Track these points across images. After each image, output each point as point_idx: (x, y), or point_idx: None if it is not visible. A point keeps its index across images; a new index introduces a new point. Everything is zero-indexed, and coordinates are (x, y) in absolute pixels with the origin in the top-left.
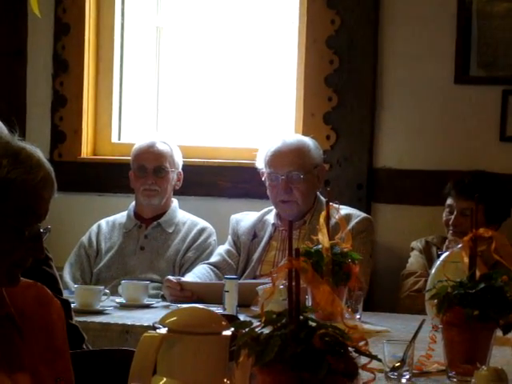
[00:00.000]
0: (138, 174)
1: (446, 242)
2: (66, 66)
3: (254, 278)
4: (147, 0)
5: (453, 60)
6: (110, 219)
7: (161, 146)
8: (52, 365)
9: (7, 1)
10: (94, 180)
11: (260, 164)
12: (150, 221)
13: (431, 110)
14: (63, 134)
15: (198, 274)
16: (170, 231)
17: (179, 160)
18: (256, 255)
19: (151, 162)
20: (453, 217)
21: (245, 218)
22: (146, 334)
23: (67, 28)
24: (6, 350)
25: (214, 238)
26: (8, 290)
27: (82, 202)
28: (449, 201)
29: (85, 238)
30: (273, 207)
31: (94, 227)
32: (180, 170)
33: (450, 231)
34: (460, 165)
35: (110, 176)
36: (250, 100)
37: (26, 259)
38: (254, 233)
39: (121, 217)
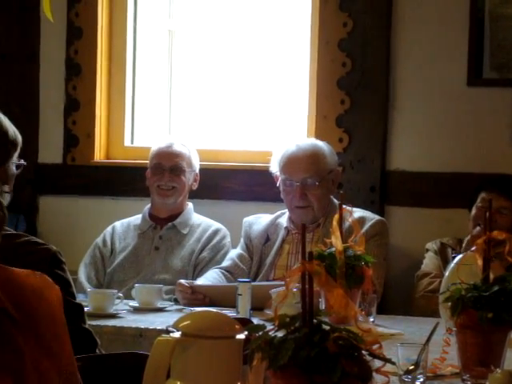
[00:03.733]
0: (155, 172)
1: (464, 244)
2: (78, 70)
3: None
4: (159, 3)
5: (465, 62)
6: (125, 221)
7: (179, 147)
8: (55, 357)
9: (20, 5)
10: (106, 184)
11: (274, 168)
12: (164, 222)
13: (444, 113)
14: (76, 138)
15: (209, 279)
16: (185, 232)
17: (196, 162)
18: (269, 259)
19: (168, 161)
20: (488, 213)
21: (257, 221)
22: (159, 338)
23: (80, 32)
24: (5, 347)
25: (228, 239)
26: (5, 282)
27: (95, 206)
28: (483, 195)
29: (99, 239)
30: (285, 210)
31: (109, 228)
32: (197, 172)
33: (478, 227)
34: (473, 167)
35: (122, 180)
36: (262, 103)
37: None
38: (267, 236)
39: (135, 219)
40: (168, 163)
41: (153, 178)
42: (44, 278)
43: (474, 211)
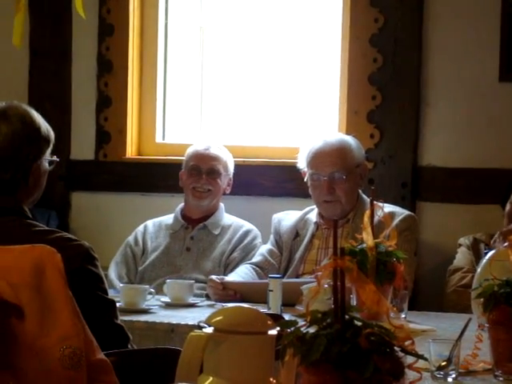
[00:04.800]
0: (192, 173)
1: (494, 241)
2: (110, 67)
3: (297, 277)
4: (191, 0)
5: (497, 58)
6: (157, 220)
7: (216, 151)
8: (56, 333)
9: (52, 2)
10: (138, 180)
11: (301, 164)
12: (196, 222)
13: (476, 108)
14: (108, 134)
15: (240, 274)
16: (216, 233)
17: (231, 167)
18: (298, 254)
19: (206, 164)
20: None
21: (286, 217)
22: (192, 334)
23: (111, 29)
24: (1, 336)
25: (259, 239)
26: (2, 265)
27: (127, 202)
28: None
29: (131, 238)
30: (314, 206)
31: (141, 227)
32: (231, 176)
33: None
34: (505, 162)
35: (154, 176)
36: (293, 99)
37: None
38: (296, 232)
39: (167, 218)
40: (205, 166)
41: (189, 180)
42: (43, 251)
43: (508, 207)
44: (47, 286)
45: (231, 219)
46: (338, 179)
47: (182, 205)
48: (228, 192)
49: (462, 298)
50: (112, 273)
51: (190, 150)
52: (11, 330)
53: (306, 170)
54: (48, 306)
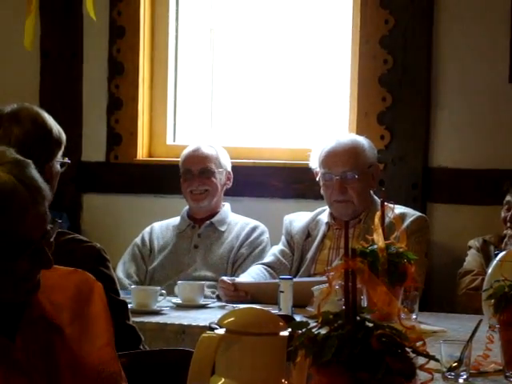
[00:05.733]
0: (185, 177)
1: (506, 238)
2: (121, 69)
3: (309, 277)
4: (201, 2)
5: (507, 59)
6: (163, 222)
7: (206, 149)
8: (94, 355)
9: (63, 4)
10: (149, 181)
11: (314, 164)
12: (202, 221)
13: (486, 109)
14: (119, 136)
15: (252, 275)
16: (223, 229)
17: (226, 161)
18: (310, 254)
19: (196, 165)
20: (510, 213)
21: (298, 218)
22: (204, 335)
23: (122, 31)
24: (41, 352)
25: (266, 235)
26: (46, 284)
27: (138, 204)
28: (508, 197)
29: (138, 239)
30: (326, 207)
31: (147, 228)
32: (229, 170)
33: (508, 228)
34: None
35: (165, 178)
36: (303, 100)
37: (32, 272)
38: (308, 232)
39: (173, 220)
40: (196, 167)
41: (185, 184)
42: (86, 276)
43: (502, 214)
44: (89, 311)
45: (237, 217)
46: (351, 179)
47: (187, 206)
48: (229, 186)
49: (472, 300)
50: (120, 272)
51: (182, 154)
52: (53, 349)
53: (318, 169)
54: (88, 330)
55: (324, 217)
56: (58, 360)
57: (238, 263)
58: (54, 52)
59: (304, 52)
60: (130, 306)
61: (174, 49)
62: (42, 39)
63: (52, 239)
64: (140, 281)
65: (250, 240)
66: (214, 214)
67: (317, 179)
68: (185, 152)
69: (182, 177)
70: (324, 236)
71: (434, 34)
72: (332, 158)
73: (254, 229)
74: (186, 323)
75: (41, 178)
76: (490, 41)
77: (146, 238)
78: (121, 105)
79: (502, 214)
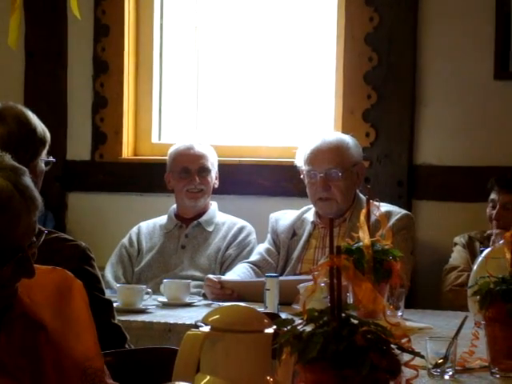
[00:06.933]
0: (182, 176)
1: (493, 236)
2: (105, 68)
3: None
4: (186, 0)
5: (492, 56)
6: (150, 221)
7: (200, 148)
8: (78, 352)
9: (47, 3)
10: (134, 180)
11: (299, 162)
12: (190, 220)
13: (471, 106)
14: (104, 134)
15: (238, 273)
16: (210, 230)
17: (215, 160)
18: (295, 253)
19: (194, 164)
20: (495, 211)
21: (283, 216)
22: (189, 333)
23: (107, 29)
24: (24, 350)
25: (253, 236)
26: (25, 283)
27: (123, 202)
28: (492, 195)
29: (125, 239)
30: (312, 206)
31: (134, 228)
32: (217, 169)
33: (494, 226)
34: (500, 161)
35: (150, 176)
36: (288, 98)
37: (13, 280)
38: (293, 231)
39: (160, 219)
40: (194, 166)
41: (181, 183)
42: (65, 274)
43: (487, 212)
44: (70, 308)
45: (224, 217)
46: (334, 176)
47: (174, 206)
48: (216, 186)
49: (458, 297)
50: (108, 274)
51: (173, 152)
52: (37, 346)
53: (303, 167)
54: (70, 327)
55: (310, 215)
56: (42, 358)
57: (226, 264)
58: (38, 51)
59: (289, 50)
60: (115, 304)
61: (159, 47)
62: (26, 38)
63: (36, 249)
64: (128, 282)
65: (237, 241)
66: (202, 213)
67: (301, 177)
68: (177, 150)
69: (176, 175)
70: (310, 235)
71: (418, 32)
72: (316, 155)
73: (241, 229)
74: (171, 322)
75: (35, 188)
76: (475, 38)
77: (134, 239)
78: (106, 103)
79: (488, 212)
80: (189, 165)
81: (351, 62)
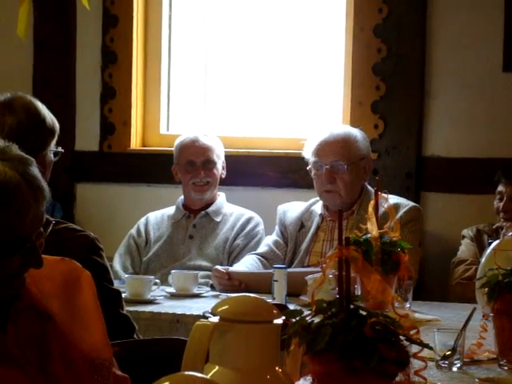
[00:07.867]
0: (188, 169)
1: (503, 230)
2: (114, 58)
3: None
4: None
5: (501, 48)
6: (158, 212)
7: (205, 140)
8: (87, 343)
9: None
10: (143, 171)
11: (307, 154)
12: (198, 211)
13: (480, 98)
14: (112, 125)
15: (246, 264)
16: (218, 220)
17: (221, 151)
18: (303, 246)
19: (199, 156)
20: (502, 203)
21: (291, 208)
22: (198, 323)
23: (115, 20)
24: (32, 341)
25: (261, 226)
26: (33, 273)
27: (131, 193)
28: (499, 187)
29: (133, 230)
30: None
31: (143, 219)
32: (223, 159)
33: (501, 218)
34: (509, 152)
35: (158, 167)
36: (297, 89)
37: (21, 270)
38: (301, 223)
39: (168, 210)
40: (199, 159)
41: (187, 176)
42: (73, 265)
43: (494, 204)
44: (78, 299)
45: (232, 207)
46: (340, 169)
47: (182, 197)
48: (224, 176)
49: (466, 290)
50: (117, 264)
51: (178, 144)
52: (45, 337)
53: (310, 159)
54: (78, 318)
55: (318, 208)
56: (51, 349)
57: (233, 254)
58: (47, 41)
59: (298, 41)
60: (124, 295)
61: (168, 38)
62: (35, 28)
63: (43, 240)
64: (136, 273)
65: (245, 231)
66: (210, 204)
67: (308, 169)
68: (182, 142)
69: (182, 168)
70: (318, 228)
71: (427, 23)
72: (323, 147)
73: (248, 220)
74: (179, 312)
75: (42, 178)
76: (485, 30)
77: (142, 229)
78: (114, 94)
79: (495, 204)
80: (194, 158)
81: (360, 54)
